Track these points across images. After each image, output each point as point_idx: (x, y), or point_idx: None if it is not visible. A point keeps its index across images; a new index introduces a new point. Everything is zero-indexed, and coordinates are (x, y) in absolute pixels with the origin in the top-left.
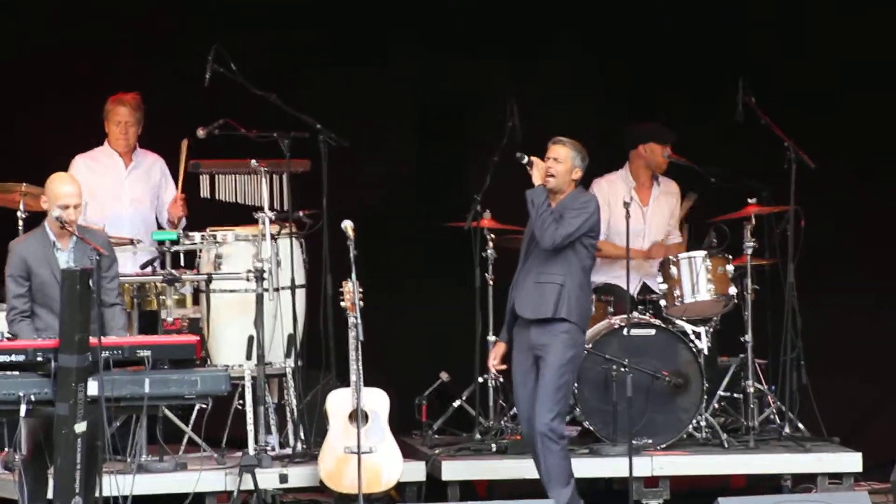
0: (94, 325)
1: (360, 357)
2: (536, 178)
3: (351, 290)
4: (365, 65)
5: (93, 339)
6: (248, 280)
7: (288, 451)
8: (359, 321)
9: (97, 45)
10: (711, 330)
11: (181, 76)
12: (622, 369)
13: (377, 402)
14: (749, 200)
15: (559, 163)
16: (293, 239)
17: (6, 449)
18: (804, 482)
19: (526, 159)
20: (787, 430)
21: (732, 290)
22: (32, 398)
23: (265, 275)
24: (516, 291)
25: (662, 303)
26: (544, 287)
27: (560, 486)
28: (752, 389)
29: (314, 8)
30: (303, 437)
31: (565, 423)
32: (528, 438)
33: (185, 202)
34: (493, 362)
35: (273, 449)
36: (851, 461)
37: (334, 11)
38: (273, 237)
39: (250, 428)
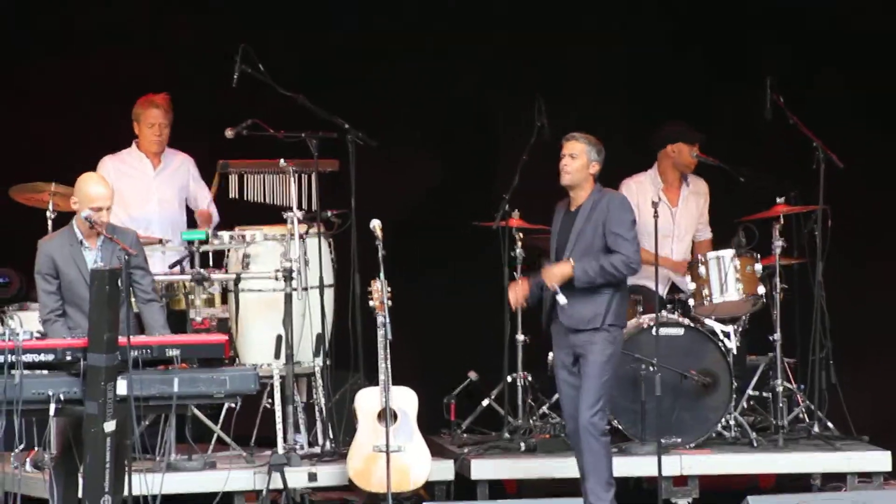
0: (124, 325)
1: (388, 356)
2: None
3: (379, 290)
4: (395, 65)
5: (121, 339)
6: (276, 279)
7: (317, 449)
8: (387, 320)
9: (125, 45)
10: (740, 329)
11: (210, 77)
12: (651, 368)
13: (406, 401)
14: (777, 200)
15: (575, 159)
16: (321, 238)
17: (36, 448)
18: (833, 481)
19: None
20: (816, 428)
21: (761, 290)
22: (62, 397)
23: (293, 274)
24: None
25: (691, 302)
26: (597, 297)
27: (600, 486)
28: (780, 388)
29: (343, 9)
30: (331, 436)
31: (607, 419)
32: (573, 436)
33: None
34: (515, 298)
35: (302, 448)
36: (881, 460)
37: (363, 12)
38: (301, 237)
39: (279, 427)
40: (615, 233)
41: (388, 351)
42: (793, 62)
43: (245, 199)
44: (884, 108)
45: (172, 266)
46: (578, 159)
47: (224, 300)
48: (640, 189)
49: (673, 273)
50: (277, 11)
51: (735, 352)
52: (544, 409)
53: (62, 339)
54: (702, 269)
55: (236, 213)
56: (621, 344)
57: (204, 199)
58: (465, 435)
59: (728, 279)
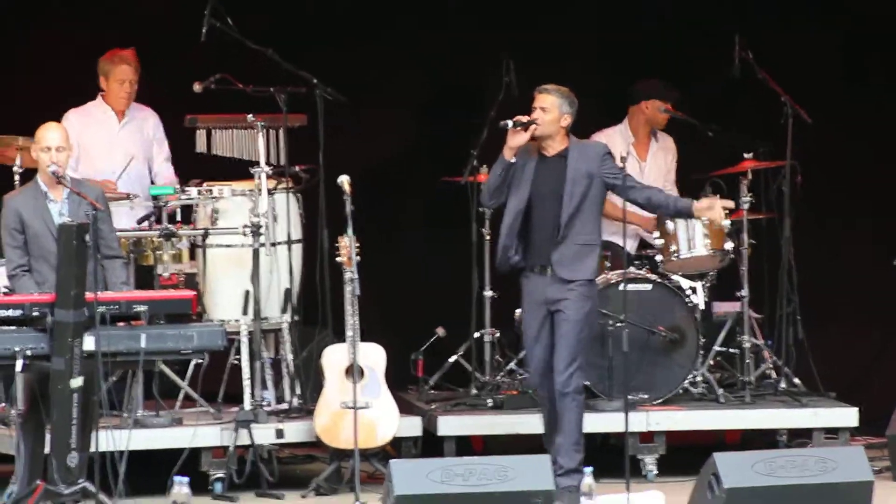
0: (91, 279)
1: (356, 312)
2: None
3: (347, 245)
4: (365, 23)
5: (89, 294)
6: (244, 235)
7: (284, 406)
8: (355, 276)
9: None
10: (708, 285)
11: (179, 31)
12: (618, 324)
13: (373, 357)
14: (745, 155)
15: (546, 112)
16: (290, 194)
17: (3, 404)
18: (800, 437)
19: (510, 123)
20: (783, 384)
21: (728, 245)
22: (29, 353)
23: (261, 230)
24: (554, 253)
25: (658, 258)
26: (586, 249)
27: (571, 447)
28: (748, 344)
29: None
30: (299, 392)
31: (583, 379)
32: (541, 393)
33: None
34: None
35: (269, 404)
36: (847, 416)
37: None
38: (270, 192)
39: (246, 383)
40: (630, 185)
41: (356, 307)
42: (765, 16)
43: (213, 153)
44: (854, 62)
45: (140, 221)
46: (550, 112)
47: (192, 256)
48: (610, 143)
49: (641, 229)
50: None
51: (702, 307)
52: (511, 365)
53: (29, 294)
54: (669, 225)
55: (204, 168)
56: (597, 300)
57: (160, 157)
58: (432, 391)
59: (696, 234)
